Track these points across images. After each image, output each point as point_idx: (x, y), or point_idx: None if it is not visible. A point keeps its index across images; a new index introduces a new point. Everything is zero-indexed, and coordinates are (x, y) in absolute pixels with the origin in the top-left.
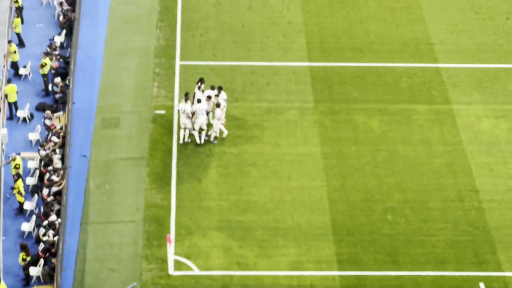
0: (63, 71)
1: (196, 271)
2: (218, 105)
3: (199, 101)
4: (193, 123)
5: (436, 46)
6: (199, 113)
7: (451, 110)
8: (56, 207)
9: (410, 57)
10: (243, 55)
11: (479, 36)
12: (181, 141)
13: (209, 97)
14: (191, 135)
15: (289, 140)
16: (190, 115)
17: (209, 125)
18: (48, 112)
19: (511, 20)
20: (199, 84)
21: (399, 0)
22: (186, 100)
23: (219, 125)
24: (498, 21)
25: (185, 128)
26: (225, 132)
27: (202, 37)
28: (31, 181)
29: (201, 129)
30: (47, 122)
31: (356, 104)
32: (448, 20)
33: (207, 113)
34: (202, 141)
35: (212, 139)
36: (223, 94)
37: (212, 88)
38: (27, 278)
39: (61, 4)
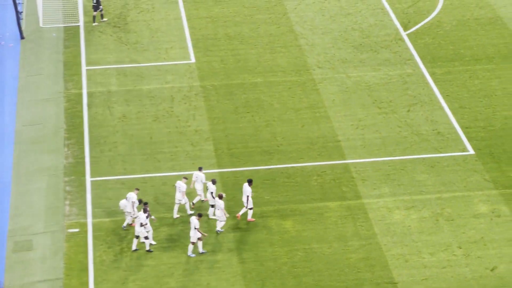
0: None
1: None
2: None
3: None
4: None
5: (343, 142)
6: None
7: (363, 205)
8: None
9: (318, 156)
10: (153, 166)
11: (383, 129)
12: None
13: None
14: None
15: (205, 247)
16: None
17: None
18: None
19: (412, 112)
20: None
21: (302, 100)
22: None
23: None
24: (400, 114)
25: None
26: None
27: (111, 152)
28: None
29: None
30: None
31: (269, 207)
32: (352, 116)
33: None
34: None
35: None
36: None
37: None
38: None
39: None
